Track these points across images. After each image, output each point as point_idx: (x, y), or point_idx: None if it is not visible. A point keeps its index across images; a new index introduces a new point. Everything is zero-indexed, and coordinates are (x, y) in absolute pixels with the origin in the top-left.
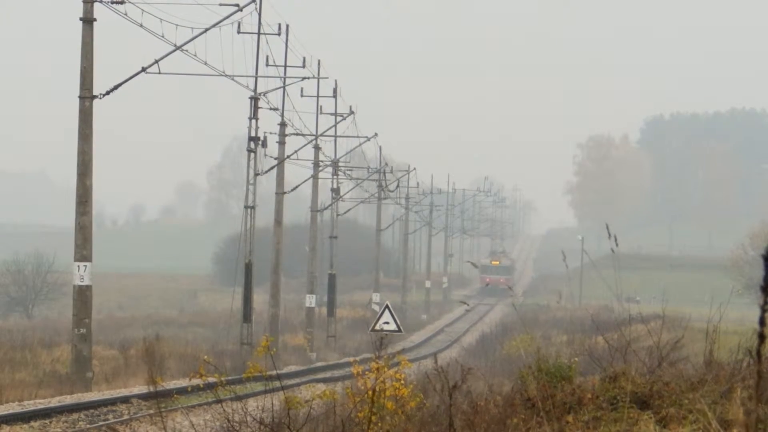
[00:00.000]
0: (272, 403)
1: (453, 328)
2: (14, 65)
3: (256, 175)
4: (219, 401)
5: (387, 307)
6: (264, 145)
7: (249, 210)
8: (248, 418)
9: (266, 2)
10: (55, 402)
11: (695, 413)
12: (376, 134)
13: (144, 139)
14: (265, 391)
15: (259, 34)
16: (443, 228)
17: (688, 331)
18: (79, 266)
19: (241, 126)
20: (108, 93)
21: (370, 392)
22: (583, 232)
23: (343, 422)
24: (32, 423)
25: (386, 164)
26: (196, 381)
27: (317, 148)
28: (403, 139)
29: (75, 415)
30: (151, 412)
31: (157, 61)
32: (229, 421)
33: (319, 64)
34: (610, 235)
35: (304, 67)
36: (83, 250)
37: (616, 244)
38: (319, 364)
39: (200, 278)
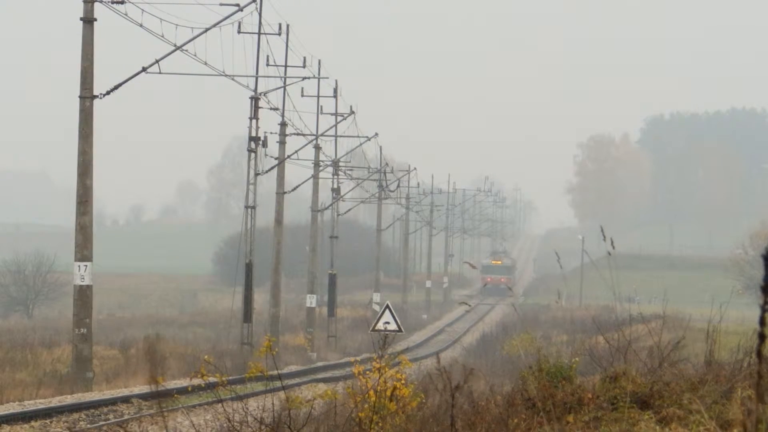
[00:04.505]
0: (273, 403)
1: (453, 327)
2: (14, 65)
3: (257, 175)
4: (220, 401)
5: (387, 306)
6: (264, 145)
7: (249, 210)
8: (249, 418)
9: (266, 2)
10: (55, 402)
11: (696, 413)
12: (376, 134)
13: (144, 139)
14: (266, 391)
15: (259, 34)
16: (444, 228)
17: (688, 332)
18: (79, 266)
19: (242, 126)
20: (108, 93)
21: (371, 392)
22: (583, 231)
23: (350, 421)
24: (33, 423)
25: (386, 164)
26: (197, 381)
27: (317, 148)
28: (404, 139)
29: (75, 415)
30: (152, 411)
31: (157, 61)
32: (229, 420)
33: (319, 64)
34: (605, 237)
35: (304, 67)
36: (83, 250)
37: (613, 247)
38: (319, 364)
39: (200, 278)
